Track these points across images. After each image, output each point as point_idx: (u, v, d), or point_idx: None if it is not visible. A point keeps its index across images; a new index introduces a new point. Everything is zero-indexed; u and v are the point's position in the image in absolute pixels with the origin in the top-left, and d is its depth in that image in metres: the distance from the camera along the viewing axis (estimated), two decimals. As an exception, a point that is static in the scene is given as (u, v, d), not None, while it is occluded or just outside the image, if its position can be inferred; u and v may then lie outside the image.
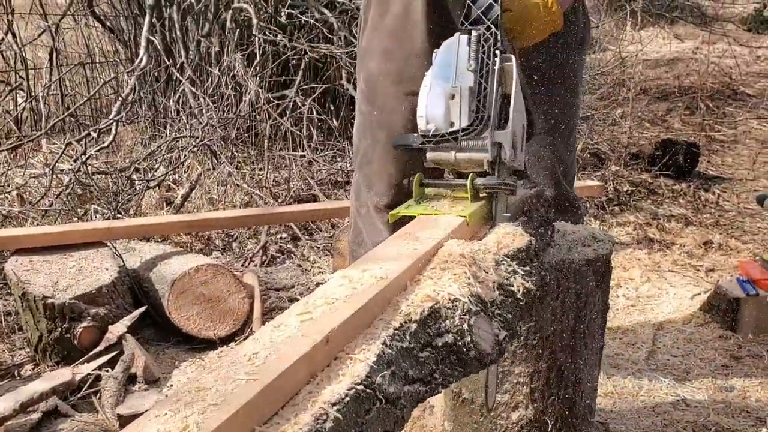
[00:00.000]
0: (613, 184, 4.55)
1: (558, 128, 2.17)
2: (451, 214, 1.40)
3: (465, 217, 1.38)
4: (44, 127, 4.32)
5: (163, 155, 4.16)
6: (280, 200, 4.10)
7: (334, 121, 4.53)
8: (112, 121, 4.16)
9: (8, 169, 3.97)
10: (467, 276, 1.29)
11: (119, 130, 4.95)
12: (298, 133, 4.35)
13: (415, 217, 1.44)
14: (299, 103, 4.45)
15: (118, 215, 3.66)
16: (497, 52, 1.42)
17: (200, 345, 2.78)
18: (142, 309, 2.66)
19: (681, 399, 2.39)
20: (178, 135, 4.45)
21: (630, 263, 3.55)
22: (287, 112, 4.45)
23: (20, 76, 4.90)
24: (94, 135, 4.00)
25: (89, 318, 2.55)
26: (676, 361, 2.66)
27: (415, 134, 1.46)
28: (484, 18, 1.44)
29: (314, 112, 4.43)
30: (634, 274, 3.42)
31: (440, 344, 1.20)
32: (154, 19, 4.84)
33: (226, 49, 4.77)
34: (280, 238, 3.92)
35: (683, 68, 8.37)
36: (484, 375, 1.73)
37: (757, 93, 7.66)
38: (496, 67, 1.41)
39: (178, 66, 4.86)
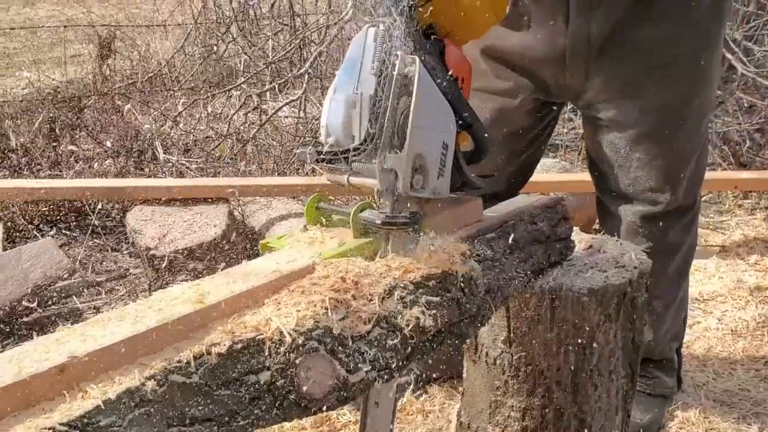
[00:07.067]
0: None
1: (669, 125, 1.91)
2: (305, 252, 1.21)
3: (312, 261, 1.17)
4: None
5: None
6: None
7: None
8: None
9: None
10: (324, 305, 1.13)
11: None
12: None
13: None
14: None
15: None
16: (398, 53, 1.15)
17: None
18: (234, 269, 2.71)
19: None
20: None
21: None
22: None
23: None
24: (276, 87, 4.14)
25: (186, 272, 2.68)
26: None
27: (312, 147, 1.20)
28: (395, 7, 1.17)
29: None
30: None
31: (251, 382, 1.06)
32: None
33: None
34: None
35: None
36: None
37: None
38: (395, 72, 1.14)
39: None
